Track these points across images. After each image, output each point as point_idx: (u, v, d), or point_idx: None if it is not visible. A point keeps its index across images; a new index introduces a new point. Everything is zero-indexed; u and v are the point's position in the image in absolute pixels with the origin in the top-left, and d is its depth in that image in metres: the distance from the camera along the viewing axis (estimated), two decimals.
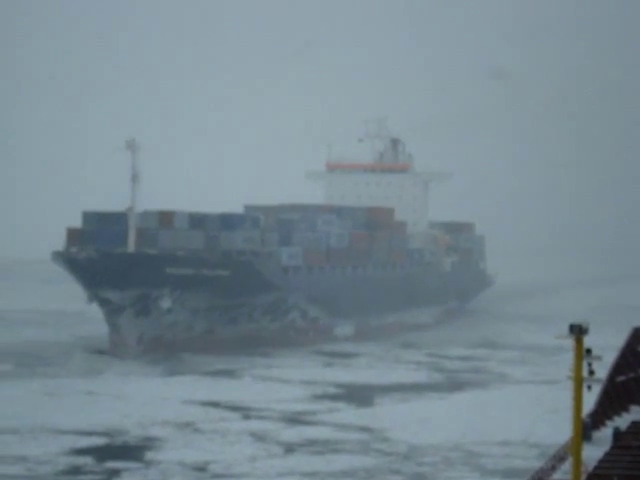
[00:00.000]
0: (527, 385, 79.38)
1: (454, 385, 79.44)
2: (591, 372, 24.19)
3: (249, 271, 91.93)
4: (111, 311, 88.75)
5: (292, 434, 60.03)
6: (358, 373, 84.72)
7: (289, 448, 56.61)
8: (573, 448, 24.28)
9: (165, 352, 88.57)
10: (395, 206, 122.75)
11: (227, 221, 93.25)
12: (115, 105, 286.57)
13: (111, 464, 52.37)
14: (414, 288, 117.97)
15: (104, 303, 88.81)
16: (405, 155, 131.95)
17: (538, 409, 66.56)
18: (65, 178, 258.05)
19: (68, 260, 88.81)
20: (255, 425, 62.64)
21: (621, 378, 36.37)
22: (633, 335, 40.74)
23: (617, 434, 31.58)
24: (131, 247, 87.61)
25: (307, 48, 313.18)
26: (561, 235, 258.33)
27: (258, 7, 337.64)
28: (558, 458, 28.95)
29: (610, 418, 34.61)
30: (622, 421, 34.51)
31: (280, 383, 78.75)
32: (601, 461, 28.58)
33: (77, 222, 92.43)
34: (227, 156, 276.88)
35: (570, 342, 24.12)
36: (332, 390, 76.12)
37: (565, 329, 24.11)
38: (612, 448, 30.36)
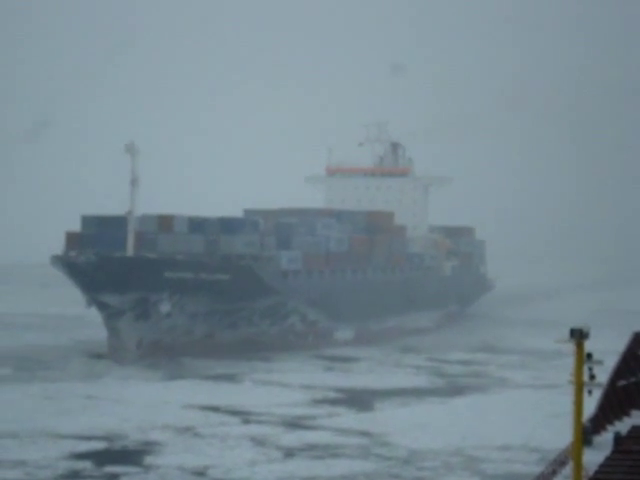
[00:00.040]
0: (527, 390, 79.25)
1: (454, 389, 79.32)
2: (592, 376, 24.14)
3: (248, 275, 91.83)
4: (110, 315, 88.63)
5: (292, 439, 59.92)
6: (358, 377, 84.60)
7: (289, 453, 56.49)
8: (574, 452, 24.21)
9: (164, 356, 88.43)
10: (395, 210, 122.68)
11: (227, 225, 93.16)
12: (114, 108, 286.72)
13: (110, 468, 52.26)
14: (414, 292, 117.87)
15: (103, 307, 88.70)
16: (405, 159, 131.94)
17: (538, 414, 66.44)
18: (64, 182, 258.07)
19: (67, 264, 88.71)
20: (255, 429, 62.52)
21: (622, 383, 36.29)
22: (634, 340, 40.65)
23: (618, 439, 31.50)
24: (130, 251, 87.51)
25: (308, 53, 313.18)
26: (561, 239, 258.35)
27: (259, 10, 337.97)
28: (559, 462, 28.87)
29: (611, 423, 34.53)
30: (623, 426, 34.44)
31: (280, 387, 78.64)
32: (602, 465, 28.52)
33: (76, 226, 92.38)
34: (227, 160, 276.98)
35: (571, 346, 24.04)
36: (332, 394, 76.01)
37: (566, 333, 24.05)
38: (613, 452, 30.30)
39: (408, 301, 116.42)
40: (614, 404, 34.97)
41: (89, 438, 58.47)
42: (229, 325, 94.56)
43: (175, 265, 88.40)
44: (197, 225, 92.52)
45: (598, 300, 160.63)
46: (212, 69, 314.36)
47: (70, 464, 52.80)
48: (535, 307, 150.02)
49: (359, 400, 74.17)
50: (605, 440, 32.07)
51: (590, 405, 30.18)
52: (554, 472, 28.25)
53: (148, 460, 54.16)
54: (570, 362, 24.70)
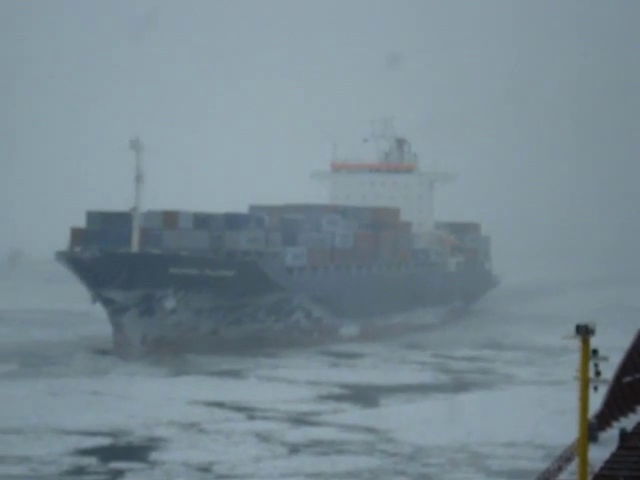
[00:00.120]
0: (533, 386, 79.13)
1: (459, 386, 79.22)
2: (597, 373, 24.06)
3: (253, 271, 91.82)
4: (115, 311, 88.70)
5: (297, 435, 59.88)
6: (363, 373, 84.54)
7: (294, 449, 56.47)
8: (579, 449, 24.14)
9: (169, 352, 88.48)
10: (400, 206, 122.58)
11: (231, 221, 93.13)
12: (118, 104, 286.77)
13: (115, 464, 52.28)
14: (419, 288, 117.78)
15: (108, 303, 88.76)
16: (410, 155, 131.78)
17: (544, 410, 66.32)
18: (69, 178, 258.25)
19: (72, 260, 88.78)
20: (260, 425, 62.51)
21: (627, 379, 36.19)
22: (639, 336, 40.53)
23: (623, 435, 31.44)
24: (135, 247, 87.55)
25: (311, 48, 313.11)
26: (567, 236, 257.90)
27: (263, 6, 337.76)
28: (564, 459, 28.79)
29: (616, 419, 34.45)
30: (628, 422, 34.35)
31: (285, 383, 78.61)
32: (607, 462, 28.44)
33: (81, 222, 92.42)
34: (232, 156, 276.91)
35: (576, 343, 23.95)
36: (337, 391, 75.96)
37: (571, 330, 23.96)
38: (618, 449, 30.23)
39: (413, 297, 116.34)
40: (620, 400, 34.88)
41: (94, 434, 58.50)
42: (234, 321, 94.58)
43: (180, 261, 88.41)
44: (202, 221, 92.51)
45: (604, 297, 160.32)
46: (216, 65, 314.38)
47: (75, 460, 52.83)
48: (540, 303, 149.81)
49: (364, 396, 74.11)
50: (611, 436, 32.00)
51: (596, 401, 30.10)
52: (560, 468, 28.18)
53: (153, 456, 54.18)
54: (576, 358, 24.62)
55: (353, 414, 67.11)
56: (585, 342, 23.73)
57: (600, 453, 29.13)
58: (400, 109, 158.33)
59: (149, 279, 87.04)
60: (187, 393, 72.51)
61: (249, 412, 66.95)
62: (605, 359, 23.92)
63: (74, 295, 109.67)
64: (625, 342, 41.30)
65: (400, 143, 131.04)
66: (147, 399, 69.76)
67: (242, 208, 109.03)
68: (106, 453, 54.53)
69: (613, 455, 29.28)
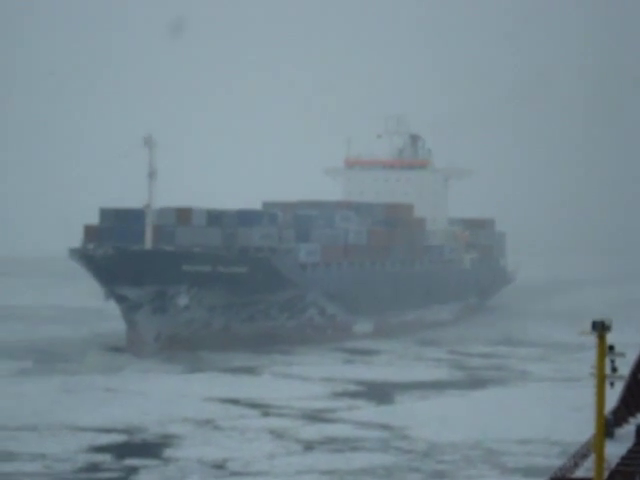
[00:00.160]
0: (548, 383, 78.79)
1: (475, 382, 78.96)
2: (614, 369, 23.85)
3: (266, 268, 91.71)
4: (128, 308, 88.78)
5: (311, 432, 59.77)
6: (378, 370, 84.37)
7: (308, 446, 56.35)
8: (595, 445, 23.93)
9: (182, 349, 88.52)
10: (414, 202, 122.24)
11: (244, 218, 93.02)
12: (132, 101, 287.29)
13: (130, 461, 52.28)
14: (433, 285, 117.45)
15: (121, 300, 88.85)
16: (424, 151, 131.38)
17: (559, 407, 66.02)
18: (82, 175, 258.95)
19: (85, 257, 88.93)
20: (274, 422, 62.42)
21: None
22: None
23: None
24: (148, 244, 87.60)
25: (324, 44, 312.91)
26: (582, 232, 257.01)
27: (278, 1, 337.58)
28: (580, 455, 28.57)
29: (633, 415, 34.18)
30: None
31: (300, 380, 78.52)
32: (624, 458, 28.20)
33: (94, 219, 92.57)
34: (245, 152, 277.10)
35: (592, 339, 23.73)
36: (352, 387, 75.82)
37: (587, 326, 23.75)
38: (635, 445, 29.98)
39: (427, 294, 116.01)
40: (636, 396, 34.62)
41: (109, 431, 58.54)
42: (247, 318, 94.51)
43: (193, 258, 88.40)
44: (215, 218, 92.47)
45: (619, 293, 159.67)
46: (230, 61, 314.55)
47: (89, 457, 52.86)
48: (556, 300, 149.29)
49: (379, 393, 73.95)
50: (627, 432, 31.76)
51: (612, 398, 29.84)
52: (576, 464, 27.97)
53: (167, 453, 54.17)
54: (592, 355, 24.40)
55: (368, 411, 66.94)
56: (601, 338, 23.53)
57: (616, 449, 28.89)
58: (414, 105, 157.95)
59: (162, 276, 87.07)
60: (201, 390, 72.51)
61: (263, 409, 66.89)
62: (621, 355, 23.70)
63: (88, 292, 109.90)
64: None
65: (414, 139, 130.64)
66: (161, 396, 69.78)
67: (256, 205, 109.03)
68: (120, 450, 54.54)
69: (629, 451, 29.04)
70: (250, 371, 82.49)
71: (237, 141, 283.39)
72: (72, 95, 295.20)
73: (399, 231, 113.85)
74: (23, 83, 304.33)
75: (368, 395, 72.90)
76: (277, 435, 58.78)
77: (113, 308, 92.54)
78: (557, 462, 36.49)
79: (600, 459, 23.80)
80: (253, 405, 68.09)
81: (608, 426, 30.14)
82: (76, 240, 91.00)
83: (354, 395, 72.78)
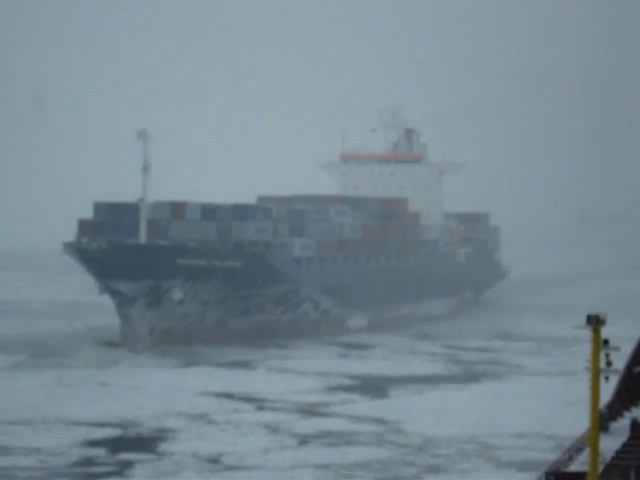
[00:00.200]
0: (543, 376, 78.85)
1: (470, 377, 79.00)
2: (609, 363, 23.83)
3: (261, 262, 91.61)
4: (122, 302, 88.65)
5: (306, 426, 59.76)
6: (373, 364, 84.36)
7: (303, 440, 56.33)
8: (590, 439, 23.92)
9: (176, 343, 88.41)
10: (409, 196, 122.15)
11: (239, 212, 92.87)
12: (125, 95, 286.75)
13: (124, 455, 52.22)
14: (428, 279, 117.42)
15: (115, 294, 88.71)
16: (419, 145, 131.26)
17: (554, 401, 66.07)
18: (76, 169, 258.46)
19: (79, 251, 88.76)
20: (269, 416, 62.40)
21: (638, 369, 35.91)
22: None
23: (634, 425, 31.21)
24: (142, 238, 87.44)
25: (320, 39, 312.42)
26: (577, 226, 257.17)
27: None
28: (575, 449, 28.57)
29: (627, 409, 34.20)
30: (639, 412, 34.08)
31: (294, 374, 78.48)
32: (618, 452, 28.22)
33: (89, 213, 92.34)
34: (240, 146, 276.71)
35: (587, 333, 23.71)
36: (347, 382, 75.80)
37: (582, 320, 23.74)
38: (629, 439, 30.00)
39: (422, 288, 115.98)
40: (631, 390, 34.64)
41: (103, 425, 58.47)
42: (241, 312, 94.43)
43: (187, 252, 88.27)
44: (209, 212, 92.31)
45: (614, 287, 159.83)
46: (225, 55, 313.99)
47: (84, 451, 52.80)
48: (550, 294, 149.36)
49: (374, 387, 73.94)
50: (622, 426, 31.78)
51: (607, 391, 29.84)
52: (571, 458, 27.98)
53: (162, 447, 54.13)
54: (586, 349, 24.38)
55: (362, 405, 66.95)
56: (596, 332, 23.50)
57: (611, 443, 28.91)
58: (409, 99, 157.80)
59: (156, 270, 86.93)
60: (196, 384, 72.44)
61: (258, 403, 66.85)
62: (616, 349, 23.68)
63: (83, 286, 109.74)
64: (636, 332, 41.01)
65: (409, 133, 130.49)
66: (156, 390, 69.70)
67: (250, 199, 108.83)
68: (115, 444, 54.49)
69: (624, 445, 29.07)
70: (245, 365, 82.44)
71: (232, 135, 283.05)
72: (79, 90, 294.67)
73: (394, 225, 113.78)
74: (22, 83, 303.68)
75: (363, 389, 72.89)
76: (272, 429, 58.76)
77: (108, 302, 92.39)
78: (552, 456, 36.52)
79: (595, 453, 23.79)
80: (248, 399, 68.05)
81: (603, 420, 30.15)
82: (70, 234, 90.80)
83: (349, 389, 72.76)
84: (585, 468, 25.39)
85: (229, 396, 68.94)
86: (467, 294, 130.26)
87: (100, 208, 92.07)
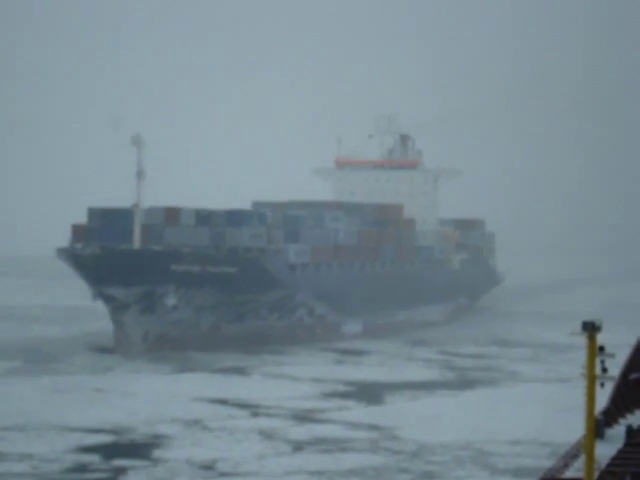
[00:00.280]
0: (538, 383, 78.80)
1: (465, 383, 78.92)
2: (604, 369, 23.75)
3: (256, 268, 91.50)
4: (116, 308, 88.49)
5: (301, 432, 59.62)
6: (368, 371, 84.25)
7: (297, 446, 56.18)
8: (586, 445, 23.83)
9: (170, 349, 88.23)
10: (405, 203, 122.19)
11: (233, 217, 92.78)
12: (119, 101, 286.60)
13: (118, 462, 52.01)
14: (423, 285, 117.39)
15: (109, 300, 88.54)
16: (415, 151, 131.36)
17: (550, 407, 65.99)
18: (70, 174, 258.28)
19: (72, 256, 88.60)
20: (263, 423, 62.24)
21: (634, 376, 35.86)
22: None
23: (630, 432, 31.12)
24: (136, 243, 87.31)
25: (315, 44, 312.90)
26: (572, 233, 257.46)
27: (268, 2, 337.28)
28: (571, 456, 28.48)
29: (623, 416, 34.11)
30: (635, 419, 34.02)
31: (289, 380, 78.34)
32: (614, 459, 28.12)
33: (82, 218, 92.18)
34: (235, 152, 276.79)
35: (582, 340, 23.64)
36: (342, 388, 75.68)
37: (577, 327, 23.67)
38: (625, 446, 29.90)
39: (417, 294, 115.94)
40: (626, 397, 34.57)
41: (97, 431, 58.27)
42: (236, 318, 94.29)
43: (181, 258, 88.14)
44: (204, 218, 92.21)
45: (609, 293, 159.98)
46: (219, 60, 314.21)
47: (77, 457, 52.59)
48: (546, 300, 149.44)
49: (369, 393, 73.82)
50: (617, 433, 31.69)
51: (602, 398, 29.76)
52: (566, 465, 27.89)
53: (156, 453, 53.93)
54: (582, 355, 24.30)
55: (357, 411, 66.81)
56: (591, 339, 23.41)
57: (606, 450, 28.81)
58: (405, 105, 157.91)
59: (150, 276, 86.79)
60: (191, 390, 72.26)
61: (253, 409, 66.69)
62: (611, 356, 23.59)
63: (77, 292, 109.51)
64: (631, 339, 40.96)
65: (404, 139, 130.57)
66: (150, 396, 69.52)
67: (245, 204, 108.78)
68: (109, 450, 54.28)
69: (620, 452, 28.96)
70: (239, 371, 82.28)
71: (227, 141, 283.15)
72: (71, 94, 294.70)
73: (389, 231, 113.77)
74: (23, 81, 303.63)
75: (358, 395, 72.76)
76: (266, 435, 58.60)
77: (102, 308, 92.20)
78: (547, 463, 36.42)
79: (590, 460, 23.72)
80: (242, 405, 67.88)
81: (598, 427, 30.03)
82: (64, 239, 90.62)
83: (344, 395, 72.63)
84: (580, 475, 25.30)
85: (224, 402, 68.78)
86: (462, 300, 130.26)
87: (94, 213, 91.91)
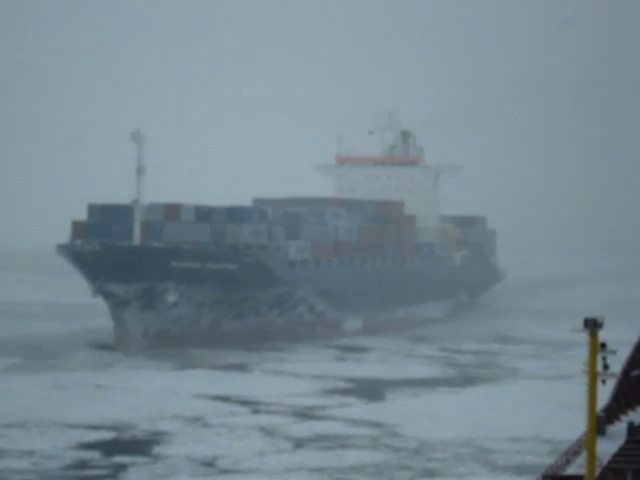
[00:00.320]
0: (540, 380, 78.73)
1: (466, 380, 78.85)
2: (606, 366, 23.68)
3: (256, 265, 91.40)
4: (116, 305, 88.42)
5: (301, 429, 59.57)
6: (369, 367, 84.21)
7: (298, 443, 56.13)
8: (587, 442, 23.77)
9: (170, 346, 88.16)
10: (405, 199, 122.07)
11: (234, 214, 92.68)
12: (120, 97, 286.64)
13: (118, 458, 51.98)
14: (424, 282, 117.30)
15: (109, 297, 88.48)
16: (416, 148, 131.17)
17: (551, 404, 65.93)
18: (70, 170, 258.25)
19: (72, 253, 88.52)
20: (264, 420, 62.19)
21: (636, 373, 35.79)
22: None
23: (631, 428, 31.07)
24: (136, 240, 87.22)
25: (317, 41, 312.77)
26: (572, 229, 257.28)
27: (266, 1, 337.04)
28: (572, 452, 28.42)
29: (624, 412, 34.05)
30: (636, 415, 33.97)
31: (291, 377, 78.29)
32: (615, 455, 28.07)
33: (82, 215, 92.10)
34: (236, 148, 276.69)
35: (584, 336, 23.57)
36: (343, 385, 75.62)
37: (578, 324, 23.60)
38: (626, 442, 29.84)
39: (418, 291, 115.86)
40: (628, 394, 34.50)
41: (98, 428, 58.23)
42: (236, 315, 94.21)
43: (181, 254, 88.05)
44: (204, 214, 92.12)
45: (611, 290, 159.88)
46: (220, 57, 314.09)
47: (78, 454, 52.55)
48: (547, 297, 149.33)
49: (370, 390, 73.76)
50: (619, 430, 31.64)
51: (604, 395, 29.70)
52: (568, 462, 27.84)
53: (157, 450, 53.89)
54: (583, 352, 24.23)
55: (358, 408, 66.76)
56: (593, 335, 23.34)
57: (608, 447, 28.76)
58: (406, 101, 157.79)
59: (150, 272, 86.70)
60: (192, 387, 72.22)
61: (254, 406, 66.64)
62: (613, 352, 23.52)
63: (78, 288, 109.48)
64: (633, 336, 40.88)
65: (405, 136, 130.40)
66: (151, 393, 69.48)
67: (246, 201, 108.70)
68: (109, 447, 54.24)
69: (621, 448, 28.91)
70: (240, 368, 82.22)
71: (227, 137, 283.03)
72: (72, 91, 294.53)
73: (389, 228, 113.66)
74: (23, 77, 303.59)
75: (359, 392, 72.70)
76: (267, 432, 58.55)
77: (102, 304, 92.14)
78: (548, 460, 36.35)
79: (592, 456, 23.66)
80: (243, 402, 67.83)
81: (600, 423, 29.98)
82: (64, 236, 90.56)
83: (345, 392, 72.57)
84: (582, 472, 25.24)
85: (224, 399, 68.72)
86: (463, 297, 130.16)
87: (94, 210, 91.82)
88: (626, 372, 35.30)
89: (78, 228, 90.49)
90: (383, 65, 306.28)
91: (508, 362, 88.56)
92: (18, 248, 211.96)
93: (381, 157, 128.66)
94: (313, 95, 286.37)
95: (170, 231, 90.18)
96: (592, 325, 23.43)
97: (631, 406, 34.72)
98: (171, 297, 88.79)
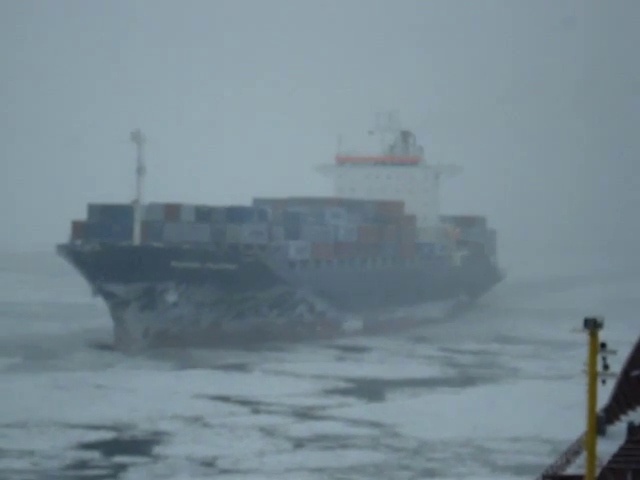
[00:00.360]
0: (540, 380, 78.73)
1: (466, 380, 78.85)
2: (606, 366, 23.68)
3: (256, 265, 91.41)
4: (116, 305, 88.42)
5: (302, 429, 59.58)
6: (369, 367, 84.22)
7: (298, 443, 56.14)
8: (587, 442, 23.77)
9: (170, 346, 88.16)
10: (406, 199, 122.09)
11: (234, 214, 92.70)
12: (120, 97, 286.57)
13: (118, 459, 51.99)
14: (424, 282, 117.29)
15: (109, 297, 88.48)
16: (416, 148, 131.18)
17: (551, 404, 65.94)
18: (70, 170, 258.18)
19: (72, 253, 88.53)
20: (264, 420, 62.20)
21: (636, 372, 35.78)
22: None
23: (631, 428, 31.06)
24: (136, 240, 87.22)
25: (317, 41, 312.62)
26: (574, 229, 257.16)
27: (268, 0, 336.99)
28: (572, 452, 28.42)
29: (624, 412, 34.05)
30: (636, 415, 33.97)
31: (291, 377, 78.30)
32: (615, 455, 28.07)
33: (82, 215, 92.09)
34: (236, 148, 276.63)
35: (584, 336, 23.57)
36: (343, 385, 75.63)
37: (578, 324, 23.60)
38: (626, 442, 29.84)
39: (417, 291, 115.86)
40: (628, 394, 34.50)
41: (98, 428, 58.24)
42: (236, 315, 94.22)
43: (181, 254, 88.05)
44: (204, 214, 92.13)
45: (611, 290, 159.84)
46: (220, 57, 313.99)
47: (78, 454, 52.55)
48: (547, 297, 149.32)
49: (370, 390, 73.77)
50: (619, 430, 31.64)
51: (604, 395, 29.70)
52: (568, 462, 27.84)
53: (157, 450, 53.90)
54: (583, 352, 24.24)
55: (358, 408, 66.76)
56: (593, 335, 23.34)
57: (608, 447, 28.75)
58: (406, 102, 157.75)
59: (150, 272, 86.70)
60: (192, 387, 72.22)
61: (254, 406, 66.64)
62: (613, 352, 23.53)
63: (78, 288, 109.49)
64: (633, 336, 40.88)
65: (405, 136, 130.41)
66: (151, 393, 69.49)
67: (246, 201, 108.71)
68: (109, 447, 54.25)
69: (621, 449, 28.91)
70: (240, 368, 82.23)
71: (227, 137, 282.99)
72: (72, 91, 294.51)
73: (389, 228, 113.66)
74: (24, 77, 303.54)
75: (359, 392, 72.71)
76: (267, 432, 58.56)
77: (102, 304, 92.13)
78: (548, 460, 36.36)
79: (592, 456, 23.66)
80: (243, 402, 67.84)
81: (600, 423, 29.98)
82: (64, 236, 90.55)
83: (345, 392, 72.58)
84: (582, 472, 25.24)
85: (225, 399, 68.73)
86: (463, 297, 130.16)
87: (94, 210, 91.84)
88: (626, 372, 35.29)
89: (78, 228, 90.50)
90: (383, 65, 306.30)
91: (508, 362, 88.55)
92: (18, 248, 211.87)
93: (381, 157, 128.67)
94: (313, 95, 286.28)
95: (170, 231, 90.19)
96: (592, 325, 23.44)
97: (631, 406, 34.72)
98: (171, 297, 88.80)
